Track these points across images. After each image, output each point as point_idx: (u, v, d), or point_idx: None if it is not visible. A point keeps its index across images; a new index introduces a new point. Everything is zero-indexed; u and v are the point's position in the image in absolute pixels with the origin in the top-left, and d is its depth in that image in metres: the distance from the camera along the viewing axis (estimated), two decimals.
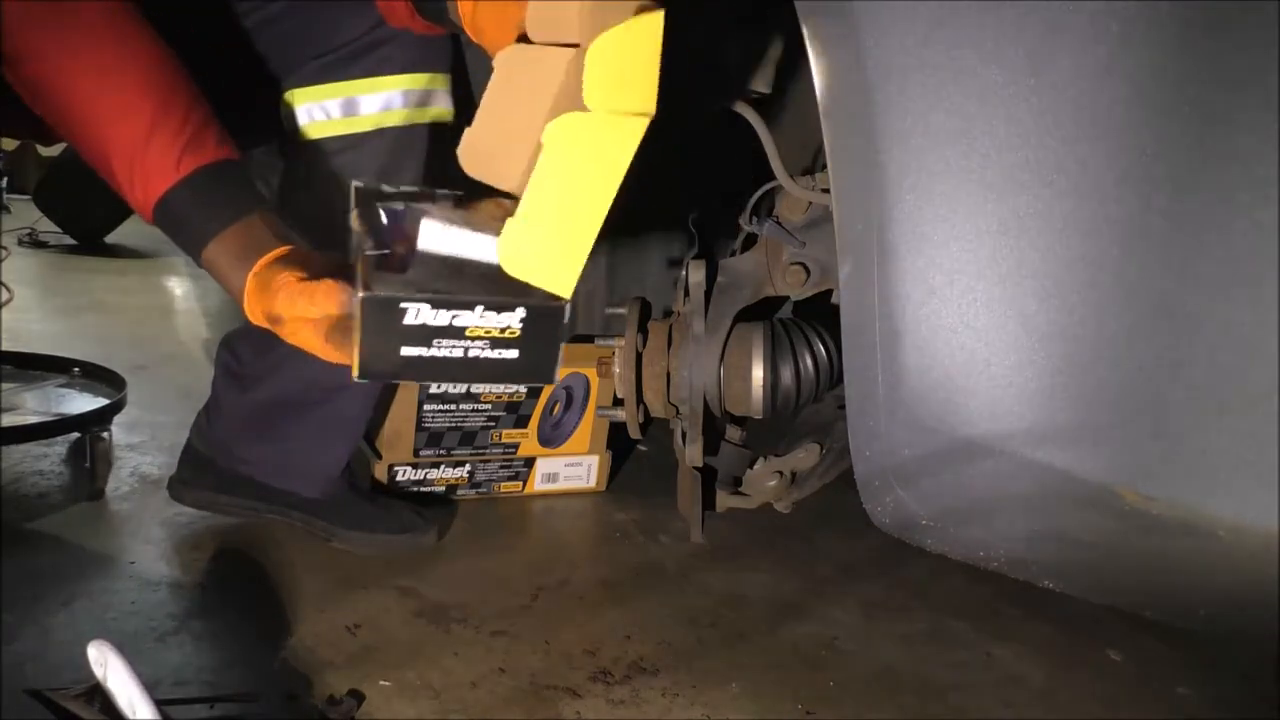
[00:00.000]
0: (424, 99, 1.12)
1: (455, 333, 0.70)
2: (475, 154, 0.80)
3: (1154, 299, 0.57)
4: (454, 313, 0.69)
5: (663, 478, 1.65)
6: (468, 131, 0.80)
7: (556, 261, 0.70)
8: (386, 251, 0.72)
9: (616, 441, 1.64)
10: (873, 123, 0.65)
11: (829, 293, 1.04)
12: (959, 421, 0.64)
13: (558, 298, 0.71)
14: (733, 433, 1.19)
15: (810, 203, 1.00)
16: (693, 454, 1.06)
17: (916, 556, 1.01)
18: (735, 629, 1.25)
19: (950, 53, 0.61)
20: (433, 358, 0.71)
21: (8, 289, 1.68)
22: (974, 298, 0.62)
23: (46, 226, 3.54)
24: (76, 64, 0.82)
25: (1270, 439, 0.55)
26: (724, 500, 1.11)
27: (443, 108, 1.15)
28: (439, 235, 0.72)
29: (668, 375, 1.08)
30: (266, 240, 0.83)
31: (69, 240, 3.60)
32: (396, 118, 1.13)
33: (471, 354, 0.71)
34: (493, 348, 0.71)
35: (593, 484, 1.65)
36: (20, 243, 3.44)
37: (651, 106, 0.68)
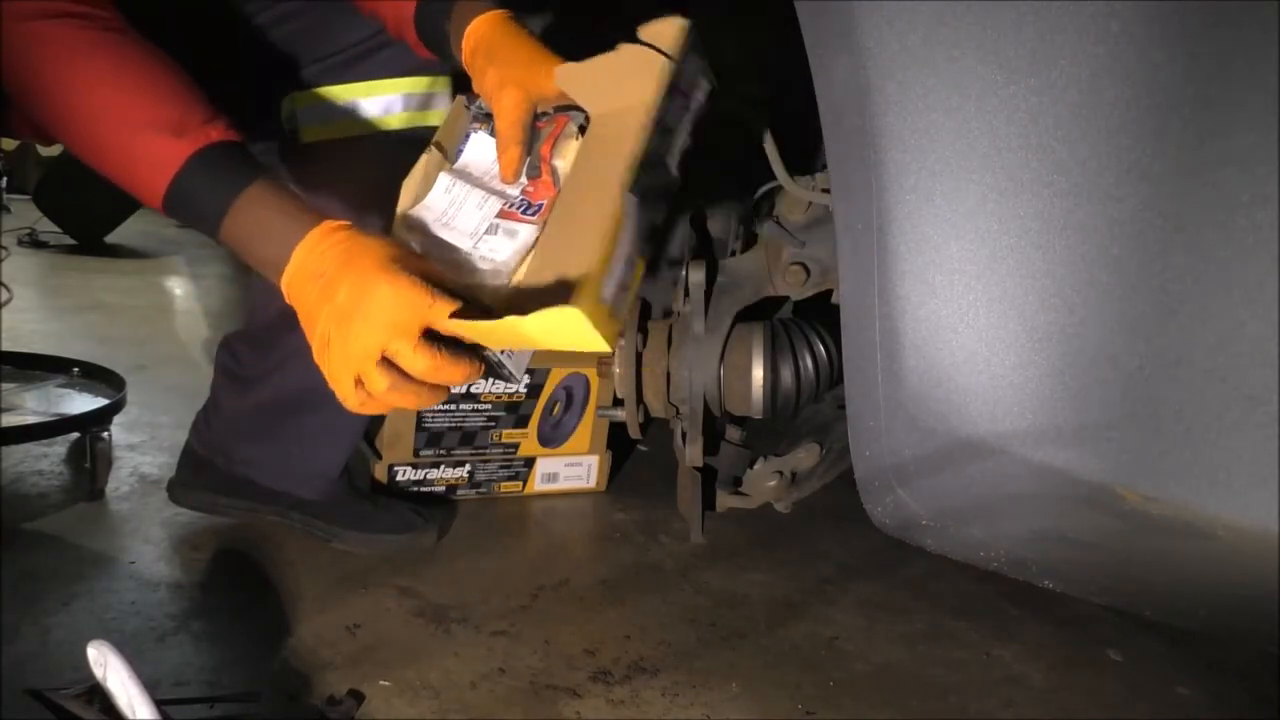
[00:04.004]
0: (425, 102, 1.12)
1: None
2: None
3: (1154, 299, 0.57)
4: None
5: (663, 478, 1.65)
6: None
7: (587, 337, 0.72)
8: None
9: (616, 441, 1.64)
10: (873, 123, 0.65)
11: (829, 293, 1.04)
12: (959, 422, 0.64)
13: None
14: (733, 433, 1.19)
15: (810, 203, 1.00)
16: (693, 454, 1.06)
17: (916, 556, 1.01)
18: (735, 629, 1.25)
19: (950, 53, 0.61)
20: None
21: (8, 289, 1.68)
22: (974, 298, 0.62)
23: (46, 226, 3.53)
24: (75, 75, 0.80)
25: (1270, 439, 0.55)
26: (724, 500, 1.11)
27: (444, 111, 1.15)
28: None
29: (668, 375, 1.08)
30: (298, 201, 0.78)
31: (69, 240, 3.60)
32: (397, 121, 1.13)
33: None
34: None
35: (593, 484, 1.65)
36: (20, 243, 3.43)
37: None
